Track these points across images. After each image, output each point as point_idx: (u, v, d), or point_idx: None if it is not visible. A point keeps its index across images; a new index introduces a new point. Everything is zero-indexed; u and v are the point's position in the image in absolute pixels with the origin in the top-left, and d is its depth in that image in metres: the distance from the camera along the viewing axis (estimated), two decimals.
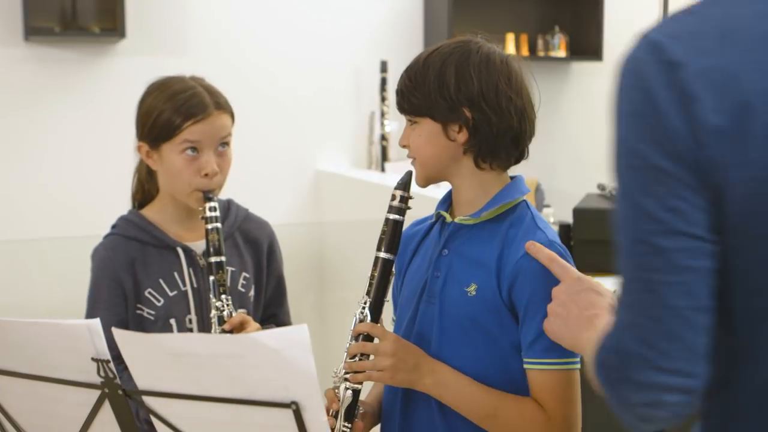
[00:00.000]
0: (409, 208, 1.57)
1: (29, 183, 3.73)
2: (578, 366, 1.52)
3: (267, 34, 4.04)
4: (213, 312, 1.84)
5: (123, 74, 3.74)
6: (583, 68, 4.63)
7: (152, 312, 1.89)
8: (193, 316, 1.90)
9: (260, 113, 4.04)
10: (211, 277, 1.84)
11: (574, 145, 4.64)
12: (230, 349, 1.40)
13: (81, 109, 3.75)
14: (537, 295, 1.49)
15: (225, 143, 1.91)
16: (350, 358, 1.53)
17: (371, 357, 1.54)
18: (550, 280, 1.48)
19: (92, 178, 3.75)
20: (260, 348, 1.36)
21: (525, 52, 4.35)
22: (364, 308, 1.55)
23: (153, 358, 1.43)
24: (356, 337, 1.55)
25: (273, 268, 2.04)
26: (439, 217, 1.63)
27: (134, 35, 3.76)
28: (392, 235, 1.54)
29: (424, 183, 1.60)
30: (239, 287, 1.96)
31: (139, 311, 1.89)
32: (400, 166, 3.94)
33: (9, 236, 3.68)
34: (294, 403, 1.38)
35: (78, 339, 1.44)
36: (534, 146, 1.64)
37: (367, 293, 1.55)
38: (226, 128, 1.91)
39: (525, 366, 1.53)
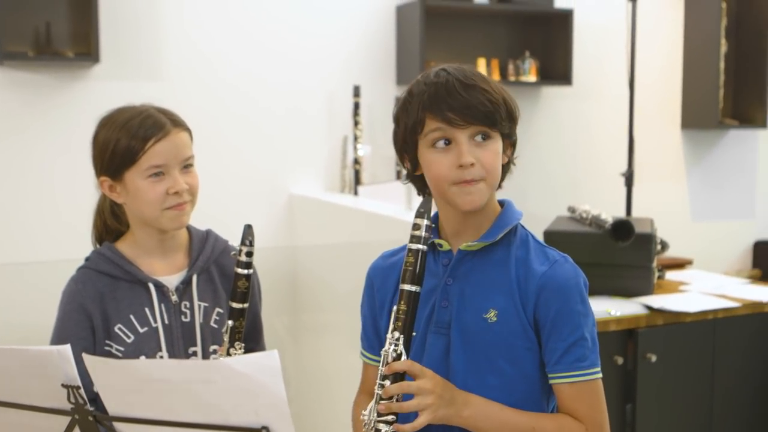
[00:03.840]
0: (431, 237, 1.52)
1: (1, 207, 3.72)
2: (601, 374, 1.56)
3: (241, 58, 4.07)
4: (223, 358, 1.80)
5: (97, 99, 3.74)
6: (552, 92, 4.69)
7: (121, 348, 1.84)
8: (164, 353, 1.85)
9: (234, 137, 4.05)
10: (230, 322, 1.81)
11: (544, 168, 4.69)
12: (201, 374, 1.40)
13: (55, 134, 3.75)
14: (563, 309, 1.53)
15: (189, 164, 1.87)
16: (387, 399, 1.45)
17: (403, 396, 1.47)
18: (574, 294, 1.53)
19: (65, 202, 3.74)
20: (231, 373, 1.38)
21: (496, 76, 4.40)
22: (397, 345, 1.46)
23: (123, 383, 1.44)
24: (386, 377, 1.46)
25: (250, 303, 1.97)
26: (430, 246, 1.59)
27: (108, 60, 3.77)
28: (418, 266, 1.47)
29: (479, 207, 1.56)
30: (212, 323, 1.92)
31: (107, 347, 1.85)
32: (372, 189, 3.97)
33: None
34: (265, 428, 1.39)
35: (48, 365, 1.44)
36: (510, 168, 1.67)
37: (396, 329, 1.46)
38: (188, 146, 1.87)
39: (553, 381, 1.55)
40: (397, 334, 1.46)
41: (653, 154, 4.95)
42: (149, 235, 1.89)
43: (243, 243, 1.81)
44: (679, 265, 3.91)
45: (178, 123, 1.86)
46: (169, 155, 1.82)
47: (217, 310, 1.93)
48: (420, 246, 1.47)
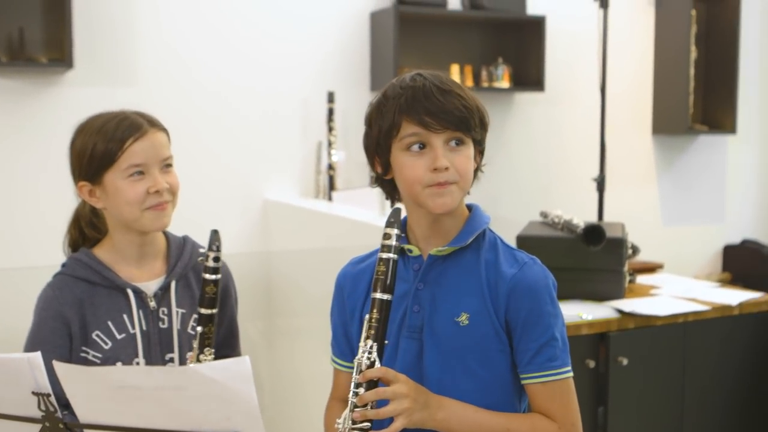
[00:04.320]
0: (401, 244, 1.53)
1: None
2: (572, 374, 1.58)
3: (216, 63, 4.07)
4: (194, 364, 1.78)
5: (72, 105, 3.73)
6: (525, 98, 4.73)
7: (99, 355, 1.83)
8: (140, 359, 1.85)
9: (209, 143, 4.06)
10: (199, 328, 1.80)
11: (517, 173, 4.73)
12: (172, 381, 1.41)
13: (28, 140, 3.74)
14: (533, 310, 1.55)
15: (168, 164, 1.87)
16: (362, 406, 1.46)
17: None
18: (543, 295, 1.56)
19: (40, 209, 3.73)
20: (202, 379, 1.38)
21: (469, 82, 4.43)
22: (370, 353, 1.47)
23: (94, 391, 1.44)
24: (360, 384, 1.47)
25: (226, 309, 1.97)
26: (400, 251, 1.59)
27: (82, 65, 3.76)
28: (389, 274, 1.48)
29: (451, 210, 1.58)
30: (189, 330, 1.91)
31: (84, 354, 1.84)
32: (347, 195, 3.99)
33: None
34: None
35: (18, 373, 1.44)
36: (478, 175, 1.70)
37: (369, 337, 1.47)
38: (166, 146, 1.87)
39: (526, 381, 1.57)
40: (370, 342, 1.47)
41: (625, 159, 5.00)
42: (129, 240, 1.89)
43: (210, 248, 1.81)
44: (650, 269, 3.95)
45: (155, 123, 1.87)
46: (148, 154, 1.82)
47: (195, 316, 1.92)
48: (391, 255, 1.49)
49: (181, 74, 4.00)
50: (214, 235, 1.82)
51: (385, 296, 1.48)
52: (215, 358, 1.90)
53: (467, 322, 1.56)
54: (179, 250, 1.96)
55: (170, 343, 1.89)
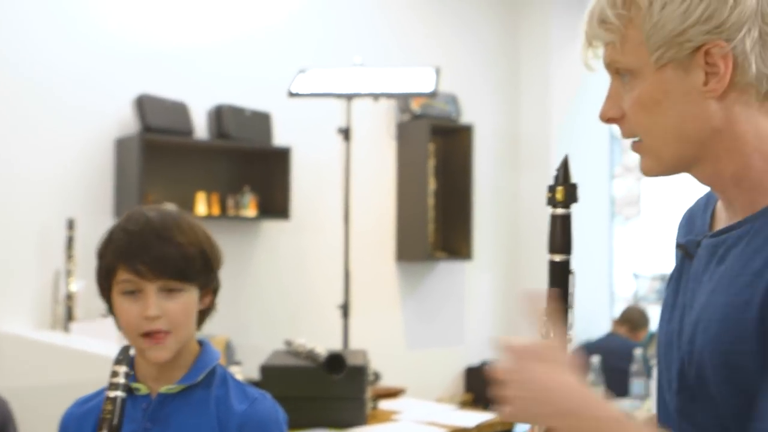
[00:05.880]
0: (128, 382, 1.51)
1: None
2: None
3: None
4: None
5: None
6: (272, 226, 4.78)
7: None
8: None
9: None
10: None
11: (264, 301, 4.73)
12: None
13: None
14: None
15: None
16: None
17: None
18: (273, 429, 1.58)
19: None
20: None
21: (216, 211, 4.43)
22: None
23: None
24: None
25: None
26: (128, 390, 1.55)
27: None
28: (116, 413, 1.45)
29: (167, 360, 1.57)
30: None
31: None
32: (86, 326, 3.82)
33: None
34: None
35: None
36: (224, 303, 1.72)
37: None
38: None
39: None
40: None
41: (369, 286, 5.15)
42: None
43: None
44: (393, 393, 4.05)
45: None
46: None
47: None
48: (118, 393, 1.47)
49: None
50: None
51: None
52: None
53: None
54: None
55: None
